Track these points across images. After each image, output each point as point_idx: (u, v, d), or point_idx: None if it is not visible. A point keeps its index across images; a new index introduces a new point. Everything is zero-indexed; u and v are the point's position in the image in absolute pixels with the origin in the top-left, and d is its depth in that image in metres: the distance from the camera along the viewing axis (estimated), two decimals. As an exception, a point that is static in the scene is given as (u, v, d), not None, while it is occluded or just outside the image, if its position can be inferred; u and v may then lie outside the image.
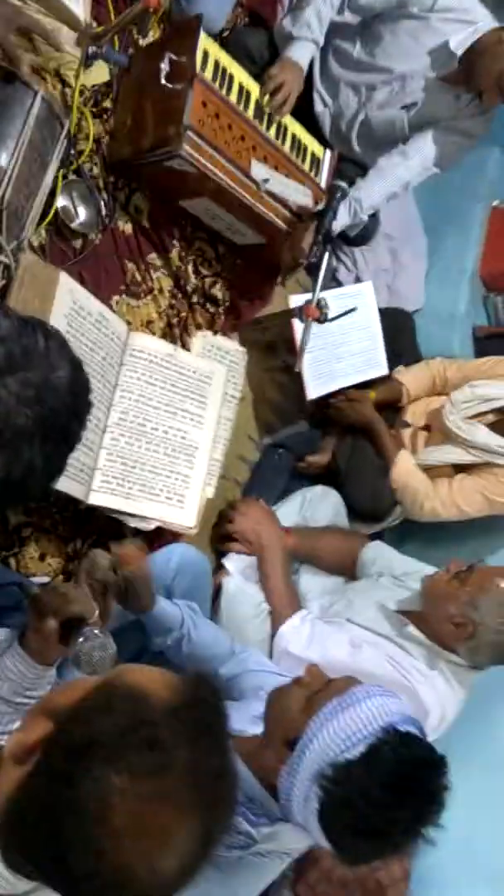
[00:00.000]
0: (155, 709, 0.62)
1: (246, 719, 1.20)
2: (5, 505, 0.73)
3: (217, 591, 1.76)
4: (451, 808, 0.95)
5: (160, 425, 1.49)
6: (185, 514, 1.54)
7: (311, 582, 1.92)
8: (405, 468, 2.08)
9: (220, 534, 1.85)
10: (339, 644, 1.59)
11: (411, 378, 2.23)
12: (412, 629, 1.65)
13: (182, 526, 1.54)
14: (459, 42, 1.74)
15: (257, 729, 1.15)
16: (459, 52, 1.75)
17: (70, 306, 1.30)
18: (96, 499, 1.42)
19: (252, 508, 1.86)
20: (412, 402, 2.25)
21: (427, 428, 2.23)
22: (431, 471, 2.11)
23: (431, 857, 1.90)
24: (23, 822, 0.63)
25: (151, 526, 1.53)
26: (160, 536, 1.59)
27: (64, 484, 1.34)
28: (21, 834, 0.63)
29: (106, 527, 1.53)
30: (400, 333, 2.31)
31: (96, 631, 0.90)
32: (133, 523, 1.50)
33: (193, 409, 1.54)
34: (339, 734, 0.95)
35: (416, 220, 2.62)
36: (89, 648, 0.89)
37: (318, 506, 2.01)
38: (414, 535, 2.28)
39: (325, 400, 2.09)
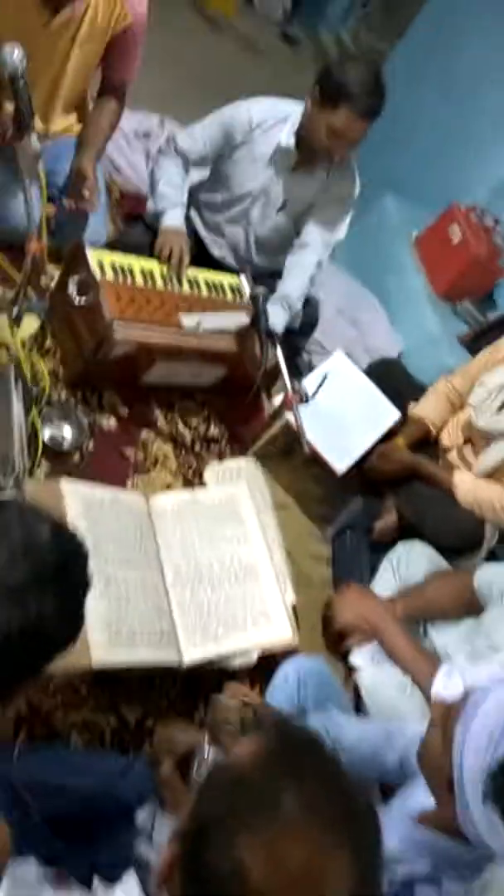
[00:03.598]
0: (244, 769, 0.63)
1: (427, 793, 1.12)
2: (39, 659, 0.77)
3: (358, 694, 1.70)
4: None
5: (212, 561, 1.54)
6: (278, 628, 1.53)
7: (444, 636, 1.82)
8: (467, 485, 2.04)
9: (331, 638, 1.81)
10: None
11: (426, 407, 2.25)
12: None
13: (282, 641, 1.53)
14: (286, 136, 1.99)
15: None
16: (291, 144, 1.99)
17: (82, 503, 1.41)
18: (191, 657, 1.43)
19: (347, 596, 1.82)
20: (441, 428, 2.25)
21: (469, 442, 2.21)
22: (493, 477, 2.06)
23: None
24: None
25: (254, 657, 1.52)
26: (270, 663, 1.57)
27: (155, 656, 1.38)
28: None
29: (215, 680, 1.52)
30: (394, 377, 2.37)
31: (206, 749, 0.90)
32: (237, 663, 1.50)
33: (234, 531, 1.59)
34: (479, 745, 0.89)
35: (354, 285, 2.79)
36: (206, 771, 0.87)
37: (409, 563, 1.96)
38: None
39: (362, 467, 2.11)
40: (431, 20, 3.21)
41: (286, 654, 1.57)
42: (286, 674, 1.48)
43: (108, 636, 1.27)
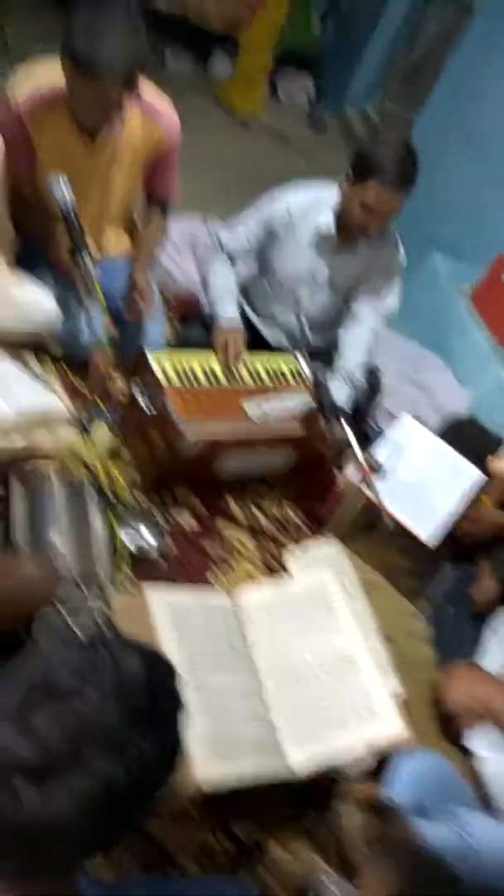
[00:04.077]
0: None
1: None
2: (145, 800, 0.74)
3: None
4: None
5: (307, 655, 1.48)
6: (387, 723, 1.44)
7: None
8: None
9: (444, 724, 1.69)
10: None
11: (508, 461, 2.16)
12: None
13: (393, 736, 1.44)
14: (324, 219, 2.04)
15: None
16: (331, 226, 2.04)
17: (169, 611, 1.40)
18: (301, 765, 1.36)
19: (455, 677, 1.71)
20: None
21: None
22: None
23: None
24: None
25: (371, 761, 1.43)
26: (382, 759, 1.47)
27: (262, 767, 1.32)
28: None
29: (328, 786, 1.44)
30: (469, 435, 2.29)
31: (326, 882, 0.83)
32: (349, 767, 1.41)
33: (325, 621, 1.53)
34: None
35: (411, 347, 2.77)
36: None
37: (514, 631, 1.83)
38: None
39: (450, 534, 2.03)
40: (452, 82, 3.28)
41: (398, 748, 1.47)
42: (401, 771, 1.38)
43: (210, 754, 1.23)
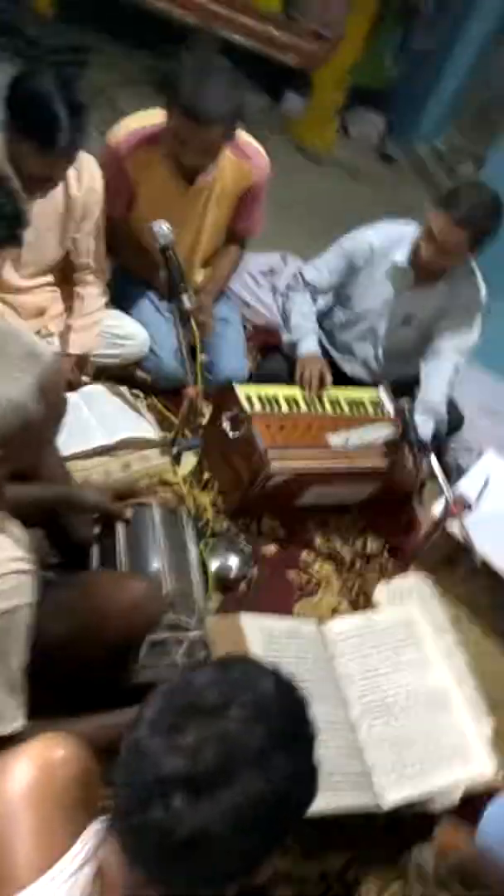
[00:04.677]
0: None
1: None
2: (286, 825, 0.75)
3: None
4: None
5: (397, 689, 1.47)
6: (478, 764, 1.41)
7: None
8: None
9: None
10: None
11: None
12: None
13: (485, 778, 1.41)
14: (401, 255, 2.06)
15: None
16: (406, 262, 2.06)
17: (263, 638, 1.42)
18: (389, 799, 1.35)
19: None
20: None
21: None
22: None
23: None
24: None
25: (457, 795, 1.40)
26: (476, 800, 1.44)
27: (353, 801, 1.31)
28: None
29: (418, 821, 1.42)
30: None
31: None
32: (438, 804, 1.39)
33: (415, 655, 1.52)
34: None
35: (491, 379, 2.75)
36: None
37: None
38: None
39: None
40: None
41: (492, 790, 1.44)
42: (496, 814, 1.35)
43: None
